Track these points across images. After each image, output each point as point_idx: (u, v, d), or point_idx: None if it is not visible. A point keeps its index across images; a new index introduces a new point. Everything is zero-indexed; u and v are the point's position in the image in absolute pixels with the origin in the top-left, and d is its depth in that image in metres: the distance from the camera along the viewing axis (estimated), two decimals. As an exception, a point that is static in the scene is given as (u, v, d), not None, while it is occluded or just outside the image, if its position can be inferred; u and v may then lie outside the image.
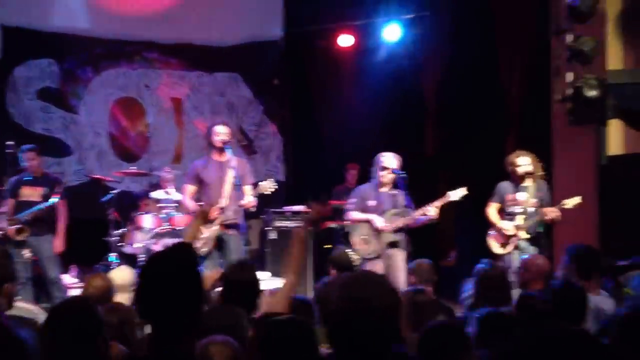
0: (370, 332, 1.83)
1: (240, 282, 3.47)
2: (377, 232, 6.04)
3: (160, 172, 8.16)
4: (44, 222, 6.57)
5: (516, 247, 6.14)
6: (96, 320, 2.32)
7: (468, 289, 4.35)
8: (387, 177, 6.06)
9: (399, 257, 6.00)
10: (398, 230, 6.02)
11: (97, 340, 2.26)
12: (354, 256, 5.23)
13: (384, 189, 6.14)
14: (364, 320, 1.82)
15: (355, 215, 6.17)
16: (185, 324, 1.98)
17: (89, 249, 7.85)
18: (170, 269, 2.01)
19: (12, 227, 6.39)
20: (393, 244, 6.06)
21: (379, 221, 6.04)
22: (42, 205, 6.50)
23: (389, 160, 6.06)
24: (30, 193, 6.60)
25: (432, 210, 5.91)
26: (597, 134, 6.57)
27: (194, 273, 2.04)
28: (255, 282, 3.56)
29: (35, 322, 3.24)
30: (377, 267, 6.03)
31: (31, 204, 6.53)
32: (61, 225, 6.67)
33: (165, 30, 9.06)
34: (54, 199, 6.52)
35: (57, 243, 6.63)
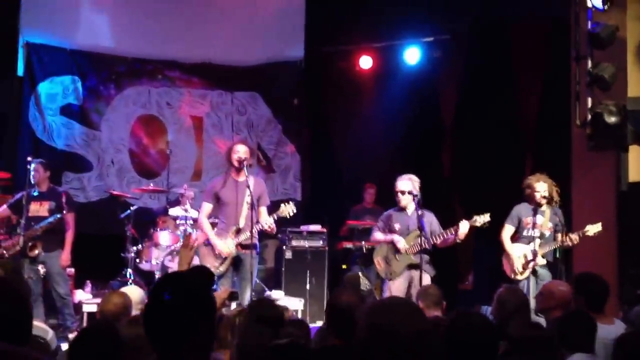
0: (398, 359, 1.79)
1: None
2: (398, 253, 6.09)
3: (178, 189, 8.23)
4: (53, 238, 6.56)
5: (533, 273, 6.10)
6: (118, 344, 2.36)
7: None
8: (403, 200, 6.13)
9: (423, 279, 5.86)
10: (421, 252, 5.91)
11: None
12: (364, 281, 5.20)
13: (409, 212, 6.19)
14: (391, 347, 1.77)
15: (379, 236, 6.31)
16: (192, 349, 1.92)
17: (105, 265, 7.90)
18: (182, 292, 1.95)
19: (26, 243, 6.39)
20: (413, 266, 6.07)
21: (400, 242, 6.10)
22: (46, 222, 6.49)
23: (402, 183, 6.16)
24: (37, 208, 6.59)
25: (464, 226, 5.89)
26: (617, 160, 6.52)
27: (205, 298, 1.99)
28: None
29: (45, 342, 3.27)
30: (395, 287, 6.05)
31: (38, 219, 6.52)
32: (68, 238, 6.65)
33: (188, 49, 9.20)
34: (57, 214, 6.52)
35: (64, 256, 6.63)
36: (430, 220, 6.15)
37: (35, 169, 6.62)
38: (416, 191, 6.06)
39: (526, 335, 3.20)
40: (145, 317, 1.95)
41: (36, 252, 6.43)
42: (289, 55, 9.54)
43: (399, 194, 6.15)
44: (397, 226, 6.21)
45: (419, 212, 5.95)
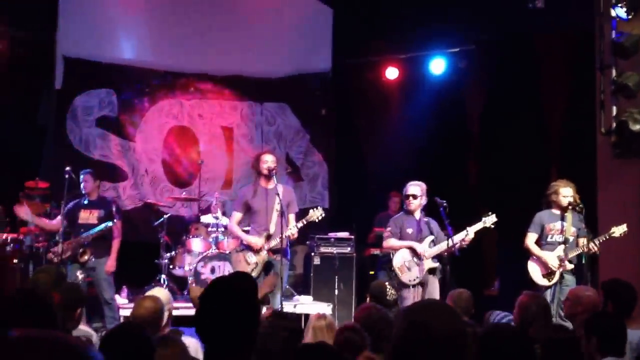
0: None
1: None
2: (419, 258, 6.24)
3: (210, 197, 8.45)
4: (102, 245, 6.81)
5: (560, 279, 6.16)
6: (149, 345, 2.47)
7: None
8: (413, 204, 6.35)
9: (435, 284, 6.29)
10: (435, 257, 6.31)
11: None
12: (390, 290, 5.31)
13: (417, 217, 6.42)
14: (427, 347, 1.82)
15: (395, 242, 6.45)
16: (240, 348, 2.08)
17: (140, 271, 8.13)
18: (231, 295, 2.13)
19: (76, 249, 6.66)
20: (432, 271, 6.32)
21: (420, 247, 6.29)
22: (98, 229, 6.74)
23: (412, 188, 6.42)
24: (86, 216, 6.86)
25: (470, 233, 6.13)
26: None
27: (252, 301, 2.16)
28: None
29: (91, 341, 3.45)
30: (413, 294, 6.19)
31: (88, 226, 6.79)
32: (115, 246, 6.89)
33: (219, 62, 9.46)
34: (108, 222, 6.77)
35: (110, 263, 6.86)
36: (436, 226, 6.40)
37: (85, 179, 6.89)
38: (424, 198, 6.36)
39: (550, 337, 3.26)
40: (198, 321, 2.12)
41: (86, 258, 6.69)
42: (317, 67, 9.75)
43: (410, 198, 6.40)
44: (409, 231, 6.40)
45: (428, 218, 6.32)
